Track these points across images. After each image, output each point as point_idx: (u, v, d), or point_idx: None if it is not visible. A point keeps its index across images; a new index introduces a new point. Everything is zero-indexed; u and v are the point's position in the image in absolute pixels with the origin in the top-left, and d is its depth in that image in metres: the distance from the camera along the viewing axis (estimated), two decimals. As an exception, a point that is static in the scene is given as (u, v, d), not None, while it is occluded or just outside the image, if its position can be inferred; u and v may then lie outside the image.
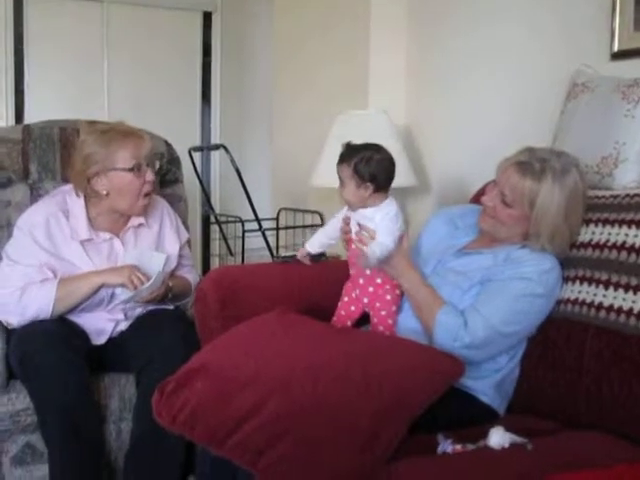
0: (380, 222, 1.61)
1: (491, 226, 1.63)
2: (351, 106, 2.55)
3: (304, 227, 3.10)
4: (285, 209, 3.20)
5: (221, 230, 3.22)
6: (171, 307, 2.06)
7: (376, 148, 1.63)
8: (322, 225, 3.01)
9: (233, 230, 3.17)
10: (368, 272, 1.66)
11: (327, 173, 2.38)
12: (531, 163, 1.54)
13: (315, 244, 1.82)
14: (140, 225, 2.02)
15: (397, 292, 1.66)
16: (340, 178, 1.64)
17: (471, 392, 1.55)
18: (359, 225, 1.65)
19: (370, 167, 1.59)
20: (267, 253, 2.86)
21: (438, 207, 2.38)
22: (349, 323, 1.72)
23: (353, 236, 1.67)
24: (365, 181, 1.60)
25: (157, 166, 1.99)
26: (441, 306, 1.56)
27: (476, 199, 1.85)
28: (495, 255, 1.61)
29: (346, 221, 1.70)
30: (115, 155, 1.88)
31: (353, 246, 1.67)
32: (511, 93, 2.23)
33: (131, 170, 1.89)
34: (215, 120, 3.97)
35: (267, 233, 2.89)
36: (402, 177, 2.31)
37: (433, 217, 1.88)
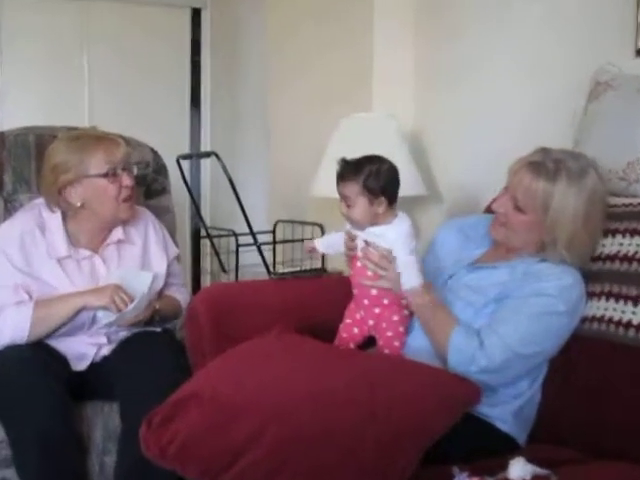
0: (395, 240, 1.63)
1: (503, 235, 1.64)
2: (353, 108, 2.56)
3: (303, 241, 3.08)
4: (282, 221, 3.19)
5: (213, 245, 3.21)
6: (158, 329, 2.06)
7: (379, 159, 1.65)
8: (323, 238, 3.05)
9: (226, 245, 3.16)
10: (374, 292, 1.67)
11: (328, 182, 2.36)
12: (544, 163, 1.55)
13: (324, 244, 1.82)
14: (120, 241, 2.02)
15: (405, 312, 1.68)
16: (345, 197, 1.65)
17: (488, 420, 1.55)
18: (366, 242, 1.66)
19: (381, 180, 1.61)
20: (263, 269, 2.84)
21: (449, 218, 2.39)
22: (352, 346, 1.73)
23: (359, 253, 1.68)
24: (378, 196, 1.62)
25: (135, 171, 2.00)
26: (454, 326, 1.57)
27: (490, 209, 1.86)
28: (512, 269, 1.61)
29: (351, 236, 1.71)
30: (87, 161, 1.90)
31: (358, 264, 1.68)
32: (529, 93, 2.23)
33: (105, 176, 1.91)
34: (205, 125, 3.97)
35: (263, 248, 2.88)
36: (411, 186, 2.33)
37: (443, 228, 1.90)
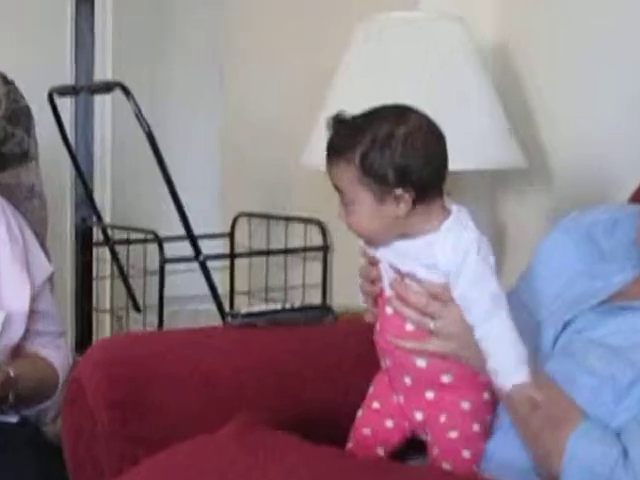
0: (449, 263, 1.61)
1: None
2: (384, 5, 2.56)
3: (286, 252, 3.13)
4: (248, 215, 3.21)
5: (116, 258, 3.22)
6: (13, 419, 2.08)
7: (398, 112, 1.63)
8: (324, 248, 3.06)
9: (141, 258, 3.16)
10: (421, 364, 1.66)
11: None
12: None
13: None
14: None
15: (485, 397, 1.67)
16: (339, 191, 1.65)
17: None
18: (395, 269, 1.66)
19: (394, 154, 1.58)
20: (211, 307, 2.86)
21: (564, 212, 2.37)
22: (381, 452, 1.73)
23: (386, 290, 1.69)
24: (391, 186, 1.59)
25: None
26: (575, 423, 1.56)
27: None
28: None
29: (371, 259, 1.71)
30: None
31: (388, 310, 1.68)
32: None
33: None
34: (104, 36, 3.96)
35: (213, 265, 2.89)
36: (494, 152, 2.36)
37: (553, 232, 1.90)
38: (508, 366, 1.57)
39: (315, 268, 3.07)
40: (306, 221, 3.05)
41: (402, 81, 2.29)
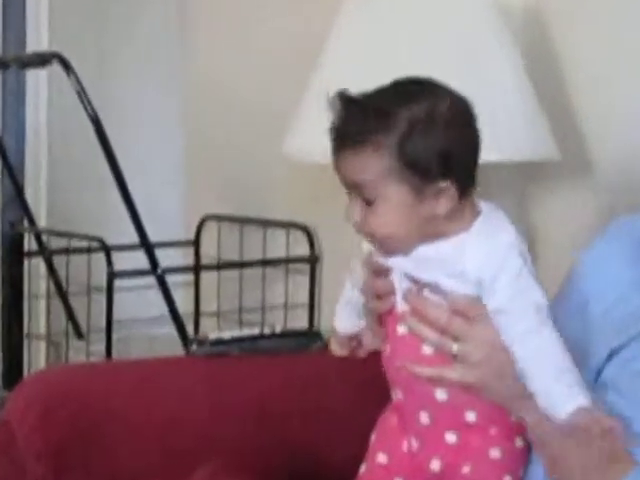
0: (482, 269, 1.61)
1: None
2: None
3: (264, 264, 3.14)
4: (216, 218, 3.22)
5: (53, 272, 3.20)
6: None
7: (428, 88, 1.63)
8: (311, 259, 3.06)
9: (84, 272, 3.16)
10: (441, 396, 1.66)
11: (320, 130, 2.36)
12: None
13: (346, 322, 1.81)
14: None
15: (518, 443, 1.67)
16: (354, 185, 1.64)
17: None
18: (413, 279, 1.66)
19: (439, 137, 1.58)
20: (171, 332, 2.86)
21: (607, 211, 2.40)
22: None
23: (398, 305, 1.68)
24: (433, 177, 1.59)
25: None
26: (627, 467, 1.56)
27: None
28: None
29: (377, 270, 1.70)
30: None
31: (400, 330, 1.68)
32: None
33: None
34: None
35: (172, 280, 2.89)
36: (525, 140, 2.38)
37: (601, 239, 1.90)
38: (560, 389, 1.56)
39: (300, 284, 3.07)
40: (289, 226, 3.04)
41: (409, 54, 2.30)
